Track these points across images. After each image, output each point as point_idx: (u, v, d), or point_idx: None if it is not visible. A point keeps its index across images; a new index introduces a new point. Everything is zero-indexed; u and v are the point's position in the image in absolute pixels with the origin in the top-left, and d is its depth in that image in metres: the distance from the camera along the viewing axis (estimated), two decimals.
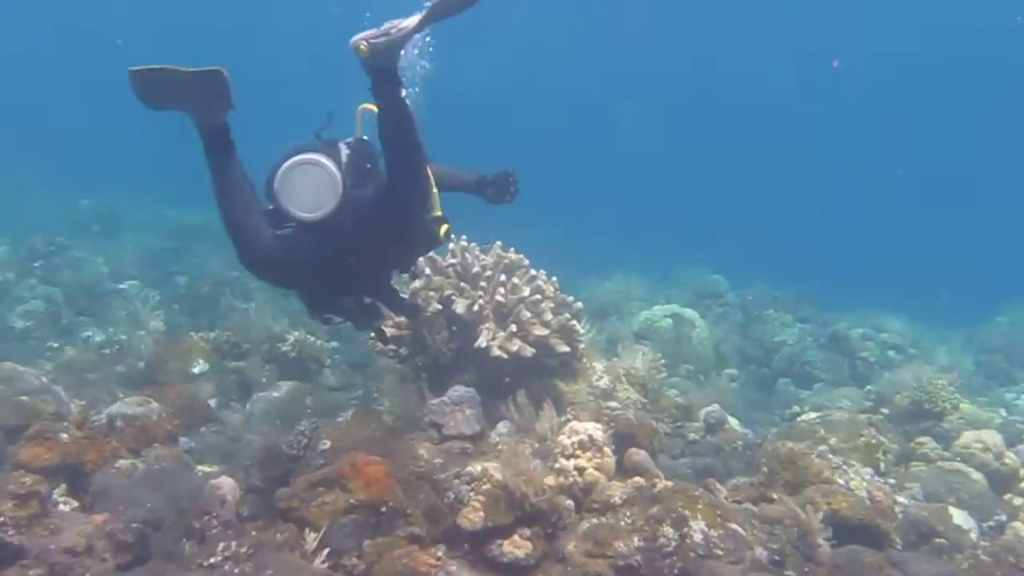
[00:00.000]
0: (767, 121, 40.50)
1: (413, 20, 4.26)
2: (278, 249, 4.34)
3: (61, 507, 4.68)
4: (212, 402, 7.28)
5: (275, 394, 7.31)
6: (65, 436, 5.25)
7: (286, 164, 4.28)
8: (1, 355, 7.71)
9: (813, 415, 7.72)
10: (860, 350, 11.89)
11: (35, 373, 6.87)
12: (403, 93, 4.39)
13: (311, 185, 4.29)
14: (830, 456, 5.83)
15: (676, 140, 40.20)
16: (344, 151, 4.62)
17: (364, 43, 4.25)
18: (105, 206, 17.58)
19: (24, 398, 6.29)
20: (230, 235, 4.36)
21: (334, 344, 9.41)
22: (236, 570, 4.25)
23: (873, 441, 6.70)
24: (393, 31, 4.25)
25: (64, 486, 4.86)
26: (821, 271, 17.40)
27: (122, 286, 12.02)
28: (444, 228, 4.86)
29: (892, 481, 6.18)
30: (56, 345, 9.38)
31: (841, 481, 5.58)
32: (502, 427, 5.71)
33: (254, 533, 4.41)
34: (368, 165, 4.73)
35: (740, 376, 11.13)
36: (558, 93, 40.85)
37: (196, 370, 8.00)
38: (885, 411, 8.45)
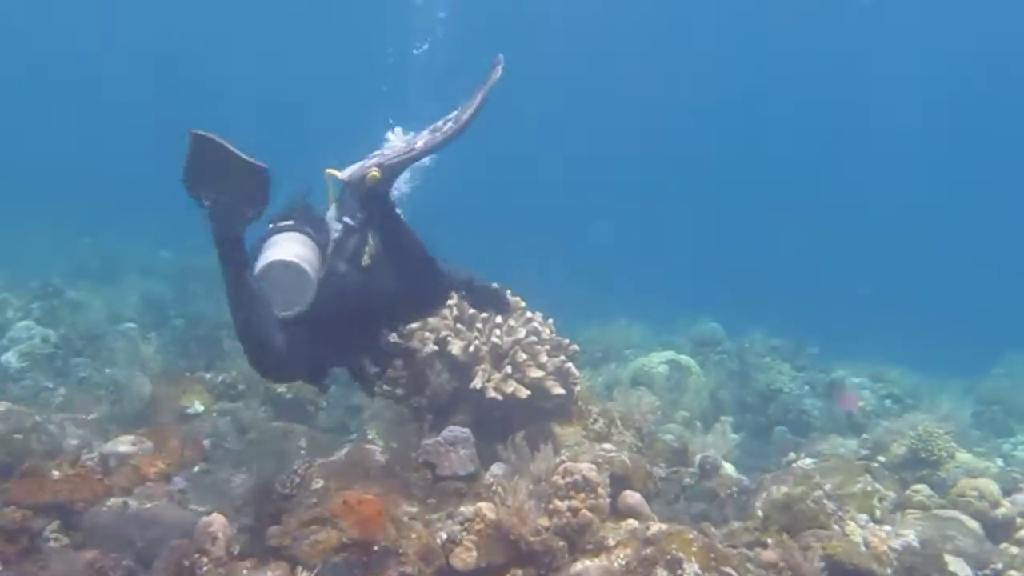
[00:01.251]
0: (769, 171, 40.81)
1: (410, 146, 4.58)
2: (288, 353, 4.25)
3: (52, 544, 4.65)
4: (207, 443, 7.26)
5: (269, 435, 7.30)
6: (57, 474, 5.25)
7: (260, 264, 4.30)
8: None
9: (809, 461, 7.71)
10: (857, 399, 11.86)
11: (29, 412, 6.85)
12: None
13: (282, 285, 4.32)
14: (825, 502, 5.80)
15: (680, 188, 40.37)
16: (334, 227, 4.68)
17: (375, 169, 4.49)
18: (103, 247, 17.66)
19: (17, 436, 6.29)
20: (244, 344, 4.22)
21: (332, 387, 9.38)
22: None
23: (869, 488, 6.67)
24: (389, 157, 4.56)
25: (56, 523, 4.83)
26: (820, 320, 17.35)
27: (119, 328, 12.01)
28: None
29: (888, 528, 6.15)
30: (51, 386, 9.38)
31: (836, 527, 5.55)
32: (497, 468, 5.69)
33: (245, 572, 4.39)
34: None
35: (736, 423, 11.10)
36: (568, 148, 41.19)
37: (191, 411, 8.00)
38: (881, 459, 8.42)
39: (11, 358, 10.05)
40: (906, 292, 26.97)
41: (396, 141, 4.78)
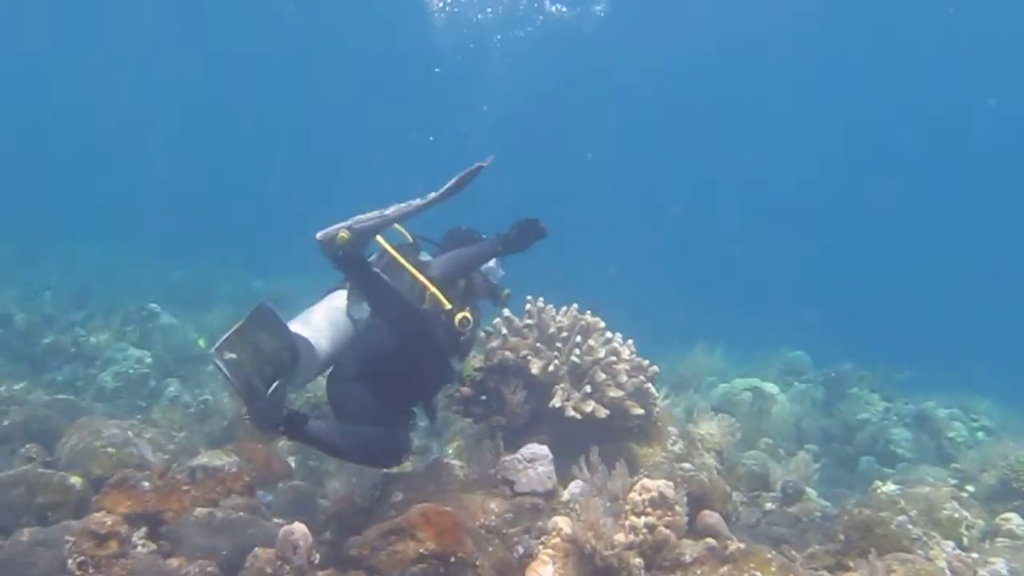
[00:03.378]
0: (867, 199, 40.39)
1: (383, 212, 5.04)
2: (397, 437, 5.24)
3: (139, 550, 4.77)
4: (292, 461, 7.39)
5: None
6: (147, 484, 5.39)
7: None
8: (91, 412, 7.99)
9: (893, 487, 7.55)
10: (947, 430, 11.60)
11: (122, 426, 7.06)
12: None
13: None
14: (909, 527, 5.68)
15: (776, 214, 40.17)
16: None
17: (344, 231, 4.96)
18: (197, 276, 18.17)
19: (110, 450, 6.49)
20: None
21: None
22: None
23: (956, 515, 6.51)
24: (360, 221, 5.02)
25: (144, 530, 4.95)
26: (909, 351, 17.00)
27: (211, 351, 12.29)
28: (459, 317, 5.27)
29: (975, 555, 5.99)
30: (144, 404, 9.66)
31: (920, 552, 5.44)
32: (574, 487, 5.69)
33: None
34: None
35: (821, 453, 10.93)
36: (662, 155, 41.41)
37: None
38: (971, 488, 8.22)
39: (106, 378, 10.38)
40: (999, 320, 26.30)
41: (371, 211, 5.12)
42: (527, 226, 5.55)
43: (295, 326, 5.07)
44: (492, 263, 6.05)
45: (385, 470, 5.57)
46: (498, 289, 6.22)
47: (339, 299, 5.42)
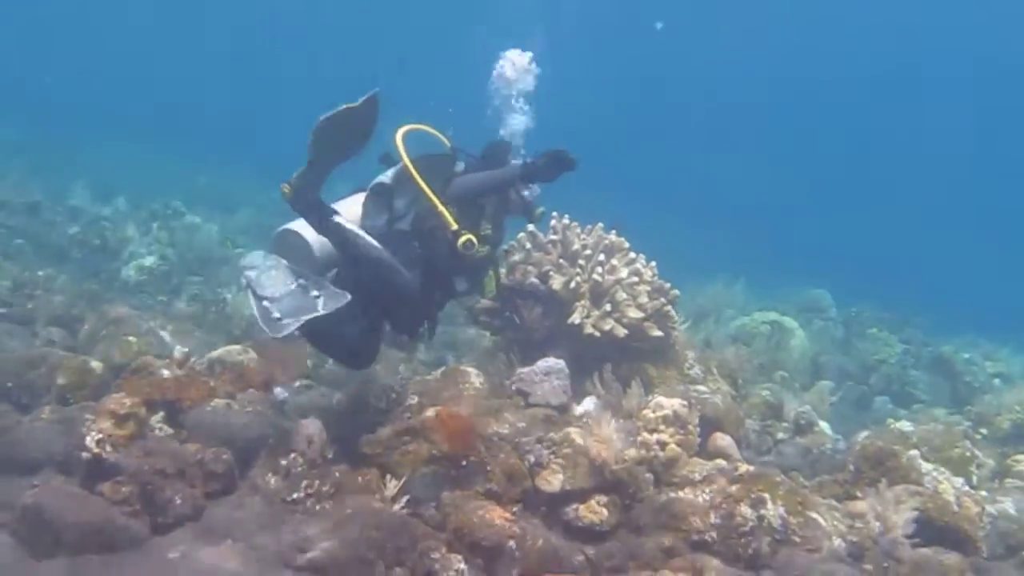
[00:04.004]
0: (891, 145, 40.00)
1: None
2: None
3: (157, 433, 4.83)
4: (309, 362, 7.43)
5: None
6: (166, 373, 5.45)
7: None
8: (113, 302, 8.05)
9: (907, 424, 7.56)
10: (964, 374, 11.55)
11: (144, 317, 7.12)
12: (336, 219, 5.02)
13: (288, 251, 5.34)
14: (920, 461, 5.69)
15: (806, 155, 39.84)
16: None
17: (286, 185, 5.03)
18: (222, 181, 18.24)
19: (131, 338, 6.54)
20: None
21: None
22: (318, 507, 4.38)
23: (967, 454, 6.51)
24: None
25: (161, 415, 5.01)
26: (932, 294, 16.91)
27: (232, 252, 12.35)
28: (463, 240, 5.22)
29: (984, 493, 6.00)
30: (165, 299, 9.72)
31: (929, 486, 5.45)
32: (588, 402, 5.72)
33: (337, 475, 4.52)
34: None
35: (836, 391, 10.91)
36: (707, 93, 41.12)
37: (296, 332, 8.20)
38: (984, 431, 8.22)
39: (130, 272, 10.45)
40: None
41: None
42: (555, 157, 5.48)
43: (299, 225, 5.24)
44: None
45: (399, 373, 5.65)
46: (532, 207, 6.19)
47: (355, 204, 5.47)
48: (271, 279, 4.80)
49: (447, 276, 5.49)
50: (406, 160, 5.31)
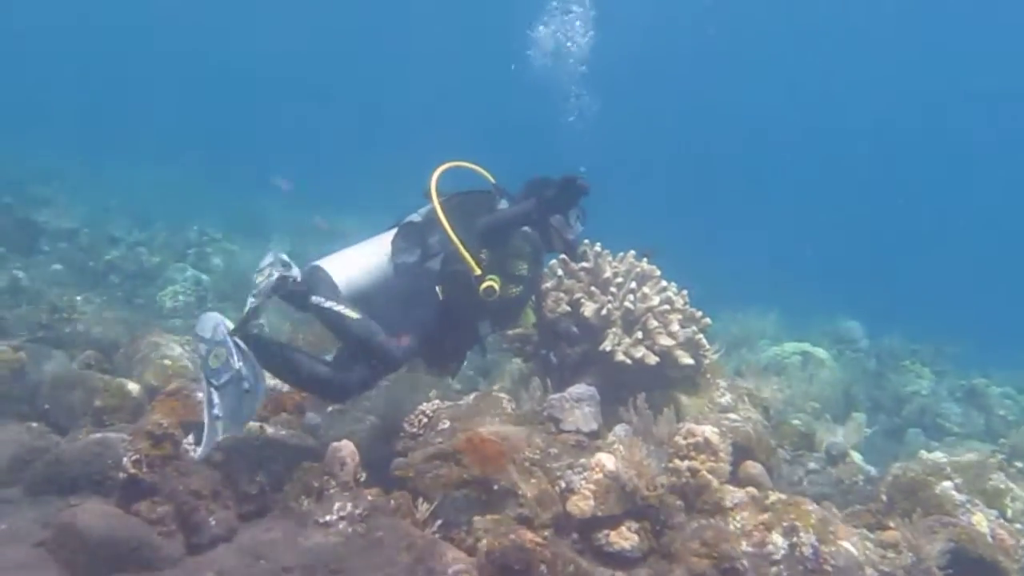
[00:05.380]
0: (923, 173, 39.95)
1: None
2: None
3: (192, 455, 4.88)
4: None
5: (402, 383, 7.47)
6: (200, 396, 5.51)
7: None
8: (149, 326, 8.15)
9: (940, 455, 7.49)
10: (998, 407, 11.47)
11: (179, 340, 7.20)
12: (327, 303, 5.03)
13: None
14: (953, 492, 5.65)
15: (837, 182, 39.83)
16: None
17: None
18: (256, 207, 18.43)
19: (166, 361, 6.63)
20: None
21: None
22: (350, 529, 4.39)
23: (1002, 486, 6.45)
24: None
25: (193, 437, 5.07)
26: (966, 326, 16.76)
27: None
28: (484, 287, 5.29)
29: (1019, 526, 5.95)
30: None
31: (963, 517, 5.41)
32: (620, 429, 5.72)
33: (370, 498, 4.55)
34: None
35: (869, 422, 10.84)
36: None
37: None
38: (1019, 464, 8.14)
39: (165, 298, 10.58)
40: None
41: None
42: (566, 185, 5.51)
43: (326, 262, 5.37)
44: (567, 218, 5.98)
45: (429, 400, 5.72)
46: (574, 244, 6.22)
47: (383, 244, 5.58)
48: (217, 358, 4.74)
49: (471, 320, 5.52)
50: (435, 202, 5.37)
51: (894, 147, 42.10)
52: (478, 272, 5.22)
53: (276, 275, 4.77)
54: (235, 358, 4.64)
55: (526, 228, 5.59)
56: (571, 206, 5.70)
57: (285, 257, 4.98)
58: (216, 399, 4.62)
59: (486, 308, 5.40)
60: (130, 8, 42.75)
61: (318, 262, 5.39)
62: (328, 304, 4.98)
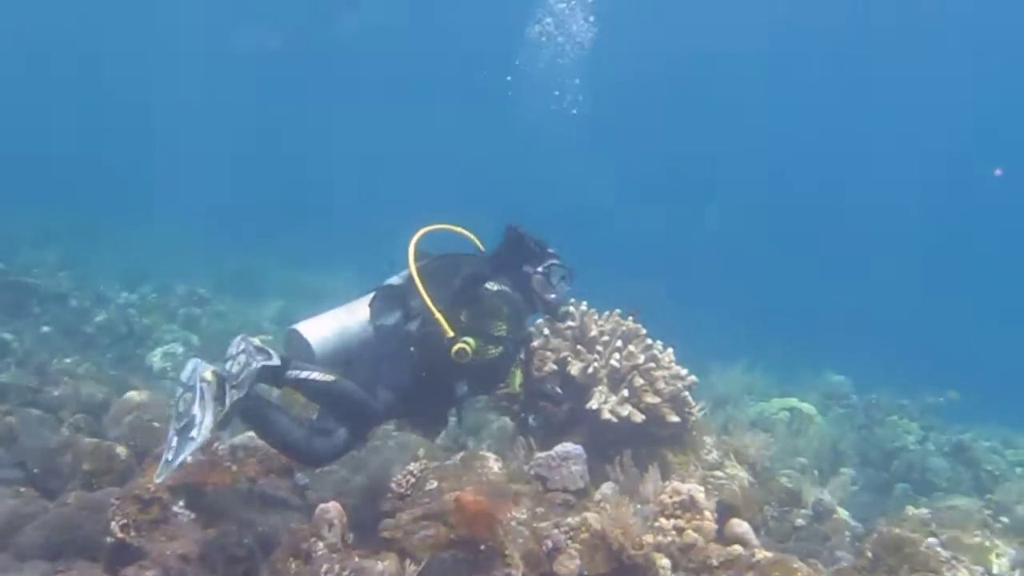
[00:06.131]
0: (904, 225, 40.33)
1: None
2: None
3: (180, 518, 4.90)
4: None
5: (390, 443, 7.50)
6: (190, 458, 5.53)
7: None
8: (138, 388, 8.18)
9: (926, 511, 7.54)
10: (985, 462, 11.51)
11: (169, 402, 7.22)
12: (303, 375, 5.00)
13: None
14: (939, 549, 5.68)
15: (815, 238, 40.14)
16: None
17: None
18: (249, 266, 18.52)
19: (156, 423, 6.65)
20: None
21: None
22: None
23: (987, 543, 6.50)
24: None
25: (184, 500, 5.09)
26: (953, 380, 16.86)
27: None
28: (456, 349, 5.20)
29: None
30: None
31: (948, 574, 5.44)
32: (607, 487, 5.75)
33: (357, 559, 4.57)
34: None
35: (857, 478, 10.89)
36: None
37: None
38: (1005, 520, 8.18)
39: (155, 358, 10.62)
40: None
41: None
42: (509, 235, 5.67)
43: (303, 325, 5.40)
44: (549, 279, 5.87)
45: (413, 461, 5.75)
46: (553, 305, 6.06)
47: (361, 307, 5.59)
48: (185, 402, 4.71)
49: (447, 381, 5.45)
50: (411, 264, 5.42)
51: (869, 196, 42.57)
52: (451, 334, 5.20)
53: (257, 365, 4.76)
54: (196, 405, 4.65)
55: (504, 288, 5.56)
56: (523, 255, 5.76)
57: (257, 342, 4.94)
58: (172, 442, 4.62)
59: (462, 369, 5.34)
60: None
61: (296, 326, 5.41)
62: (304, 375, 4.98)
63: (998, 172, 33.80)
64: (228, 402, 4.62)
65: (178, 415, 4.62)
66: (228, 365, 4.80)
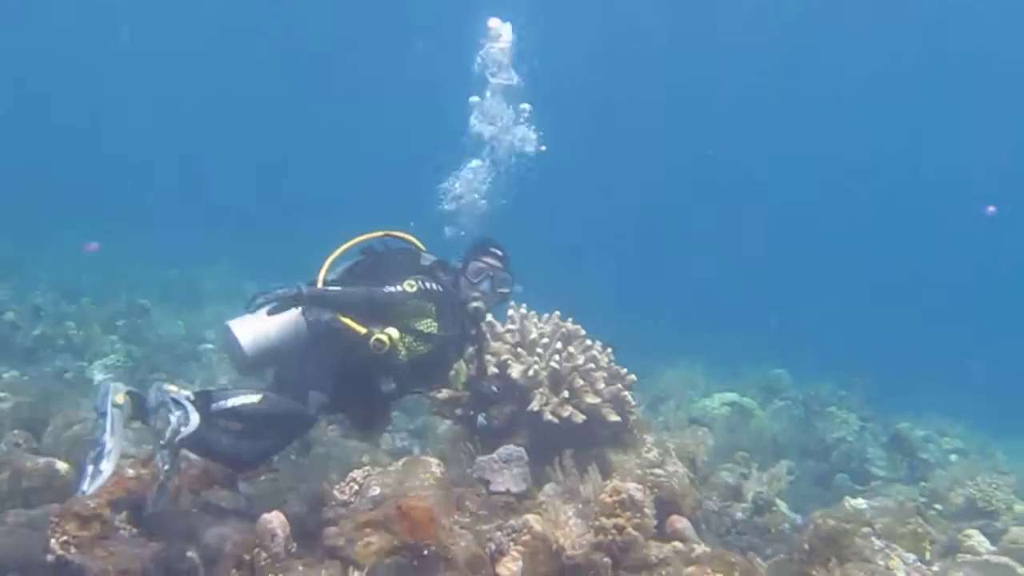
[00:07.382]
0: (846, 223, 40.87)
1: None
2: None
3: (121, 533, 4.88)
4: (275, 456, 7.49)
5: (334, 450, 7.50)
6: (131, 472, 5.49)
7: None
8: (78, 402, 8.10)
9: (861, 501, 7.69)
10: (921, 451, 11.76)
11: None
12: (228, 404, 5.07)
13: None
14: (873, 538, 5.82)
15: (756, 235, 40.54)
16: None
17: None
18: (190, 276, 18.36)
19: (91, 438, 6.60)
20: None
21: (395, 413, 9.59)
22: None
23: (920, 530, 6.65)
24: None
25: (125, 515, 5.06)
26: (889, 371, 17.15)
27: (198, 348, 12.44)
28: (373, 340, 5.22)
29: (935, 568, 6.14)
30: None
31: (881, 563, 5.58)
32: (549, 489, 5.83)
33: (301, 568, 4.59)
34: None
35: (797, 469, 11.06)
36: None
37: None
38: (938, 507, 8.38)
39: (95, 371, 10.50)
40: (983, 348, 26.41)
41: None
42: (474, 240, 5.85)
43: (236, 323, 5.41)
44: (469, 278, 5.82)
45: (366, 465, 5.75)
46: (469, 307, 5.82)
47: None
48: (98, 429, 4.74)
49: (369, 377, 5.45)
50: (321, 276, 5.46)
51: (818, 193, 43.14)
52: (362, 332, 5.21)
53: (185, 431, 4.75)
54: (107, 433, 4.65)
55: (429, 286, 5.50)
56: (408, 271, 5.62)
57: (174, 391, 4.93)
58: (88, 471, 4.62)
59: (386, 366, 5.37)
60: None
61: (230, 322, 5.43)
62: (230, 403, 5.02)
63: (992, 209, 33.83)
64: (161, 475, 4.77)
65: (92, 443, 4.64)
66: (151, 421, 4.87)
